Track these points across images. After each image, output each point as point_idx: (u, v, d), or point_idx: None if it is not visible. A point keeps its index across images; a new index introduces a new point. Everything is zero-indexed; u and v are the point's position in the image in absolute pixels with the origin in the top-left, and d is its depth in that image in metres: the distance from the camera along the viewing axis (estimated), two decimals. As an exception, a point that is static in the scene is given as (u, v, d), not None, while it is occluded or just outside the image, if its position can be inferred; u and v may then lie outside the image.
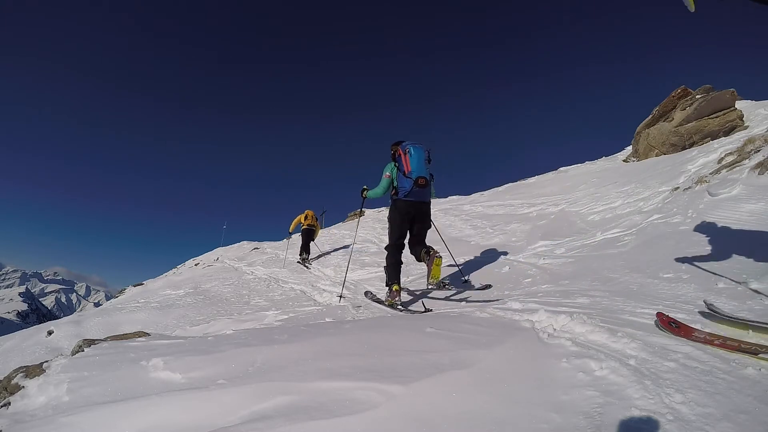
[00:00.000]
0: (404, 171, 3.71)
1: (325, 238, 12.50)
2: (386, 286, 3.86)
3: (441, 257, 3.59)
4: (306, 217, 9.39)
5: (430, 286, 3.67)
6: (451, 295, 3.81)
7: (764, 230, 2.90)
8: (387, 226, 4.11)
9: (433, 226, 4.13)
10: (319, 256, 9.26)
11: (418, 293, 4.27)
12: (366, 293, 4.53)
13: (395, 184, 3.81)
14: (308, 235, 9.17)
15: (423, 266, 4.72)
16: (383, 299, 3.96)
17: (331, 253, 9.48)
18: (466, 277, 4.08)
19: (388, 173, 3.84)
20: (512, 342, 1.82)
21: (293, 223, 9.58)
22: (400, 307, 3.62)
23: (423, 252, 3.72)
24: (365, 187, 4.16)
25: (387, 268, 3.88)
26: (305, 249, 8.88)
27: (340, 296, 4.35)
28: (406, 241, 3.93)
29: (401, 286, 3.84)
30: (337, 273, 7.09)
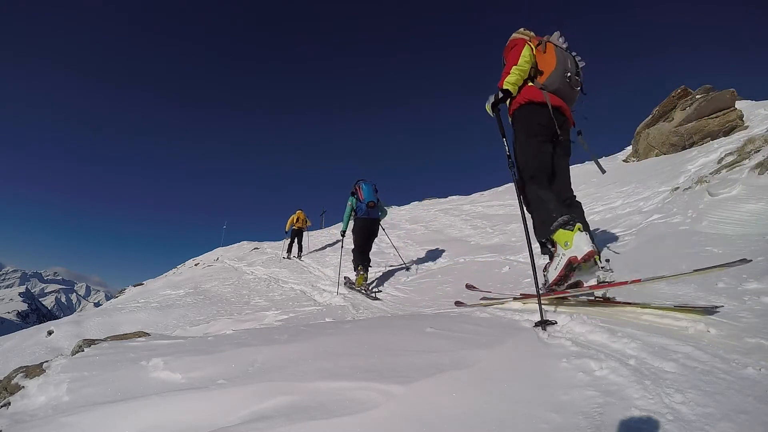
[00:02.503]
0: (360, 198, 5.62)
1: (325, 237, 12.52)
2: (354, 270, 5.58)
3: (364, 275, 5.44)
4: (297, 219, 10.92)
5: (354, 284, 5.40)
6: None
7: (764, 230, 2.91)
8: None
9: (384, 234, 6.47)
10: (310, 252, 10.46)
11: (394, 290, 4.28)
12: (345, 279, 5.83)
13: (354, 208, 5.71)
14: (298, 235, 10.72)
15: (420, 267, 6.04)
16: (350, 284, 5.59)
17: (331, 254, 9.49)
18: (409, 266, 6.10)
19: (349, 203, 5.73)
20: (512, 342, 1.82)
21: (288, 224, 11.09)
22: (364, 289, 5.18)
23: (364, 258, 5.60)
24: (322, 218, 6.55)
25: (354, 261, 5.62)
26: (297, 247, 10.52)
27: (337, 292, 5.40)
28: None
29: (366, 271, 5.56)
30: (337, 273, 7.09)
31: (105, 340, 2.72)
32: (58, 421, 1.52)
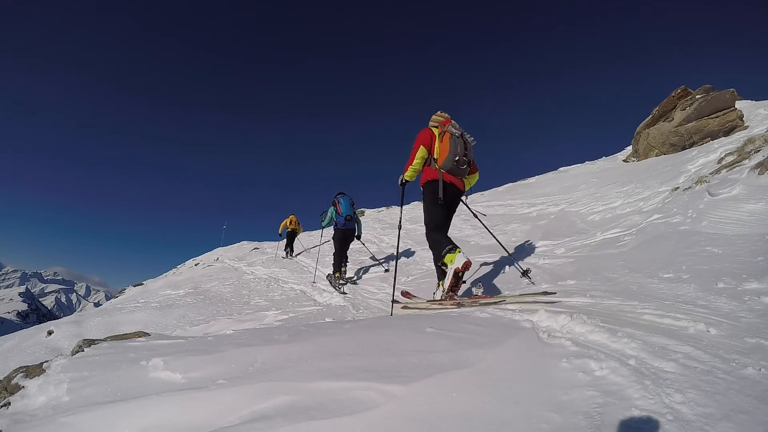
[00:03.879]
0: (339, 212, 6.65)
1: (324, 237, 12.52)
2: (333, 272, 6.42)
3: (344, 269, 6.49)
4: (291, 222, 11.86)
5: (341, 280, 6.27)
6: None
7: (764, 230, 2.91)
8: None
9: (363, 245, 7.65)
10: (308, 250, 11.22)
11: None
12: (327, 275, 6.70)
13: (335, 219, 6.73)
14: (292, 236, 11.69)
15: (421, 267, 6.23)
16: (331, 280, 6.46)
17: (330, 254, 9.50)
18: (387, 267, 6.81)
19: (329, 214, 6.81)
20: (512, 342, 1.82)
21: (281, 226, 12.02)
22: (339, 285, 6.02)
23: (344, 260, 6.58)
24: (322, 218, 7.11)
25: (333, 265, 6.49)
26: (289, 246, 11.49)
27: (313, 282, 6.64)
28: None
29: (341, 273, 6.39)
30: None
31: (105, 340, 2.72)
32: (58, 421, 1.52)
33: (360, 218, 7.32)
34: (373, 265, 7.20)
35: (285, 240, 11.72)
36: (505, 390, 1.40)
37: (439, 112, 3.73)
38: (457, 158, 3.41)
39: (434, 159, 3.49)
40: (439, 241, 3.32)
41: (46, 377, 2.03)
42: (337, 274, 6.37)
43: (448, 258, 3.15)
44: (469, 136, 3.60)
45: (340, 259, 6.54)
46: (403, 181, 3.64)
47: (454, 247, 3.18)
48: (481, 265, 4.89)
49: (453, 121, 3.63)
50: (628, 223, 4.55)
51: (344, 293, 5.68)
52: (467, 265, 3.05)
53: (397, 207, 15.85)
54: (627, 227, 4.38)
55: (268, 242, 16.50)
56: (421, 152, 3.49)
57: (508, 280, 3.96)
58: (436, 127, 3.60)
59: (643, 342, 1.62)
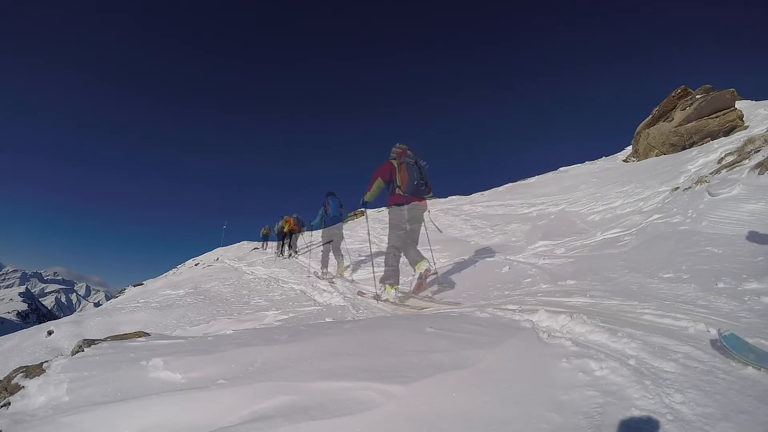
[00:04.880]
0: (327, 212, 7.26)
1: (318, 239, 12.63)
2: (320, 268, 7.21)
3: (345, 266, 7.04)
4: (287, 224, 12.49)
5: (336, 276, 6.76)
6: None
7: (764, 230, 2.91)
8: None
9: (344, 238, 7.78)
10: (308, 250, 11.43)
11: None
12: (314, 272, 7.37)
13: (324, 219, 7.30)
14: (288, 237, 12.25)
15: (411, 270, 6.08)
16: (318, 273, 7.18)
17: (330, 254, 9.49)
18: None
19: (320, 213, 7.33)
20: (512, 342, 1.82)
21: (277, 228, 12.75)
22: (326, 278, 6.62)
23: (337, 256, 7.16)
24: (312, 222, 7.71)
25: (322, 260, 7.24)
26: (288, 246, 12.02)
27: (314, 272, 7.23)
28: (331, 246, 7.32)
29: (327, 269, 7.11)
30: (335, 272, 7.09)
31: (105, 340, 2.72)
32: (58, 421, 1.52)
33: (347, 218, 8.24)
34: (368, 262, 7.22)
35: (280, 241, 12.28)
36: (505, 390, 1.40)
37: (397, 144, 4.40)
38: (415, 182, 4.18)
39: (397, 186, 4.22)
40: (390, 266, 4.25)
41: (46, 377, 2.03)
42: (324, 269, 7.11)
43: (387, 288, 4.23)
44: (422, 161, 4.40)
45: (327, 256, 7.26)
46: (364, 201, 4.46)
47: (393, 283, 4.25)
48: (483, 266, 4.89)
49: (408, 152, 4.35)
50: (628, 223, 4.55)
51: (327, 278, 6.29)
52: (386, 300, 4.21)
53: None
54: (627, 227, 4.38)
55: (268, 242, 16.52)
56: (378, 183, 4.32)
57: (508, 280, 3.96)
58: (395, 158, 4.30)
59: (643, 342, 1.62)
